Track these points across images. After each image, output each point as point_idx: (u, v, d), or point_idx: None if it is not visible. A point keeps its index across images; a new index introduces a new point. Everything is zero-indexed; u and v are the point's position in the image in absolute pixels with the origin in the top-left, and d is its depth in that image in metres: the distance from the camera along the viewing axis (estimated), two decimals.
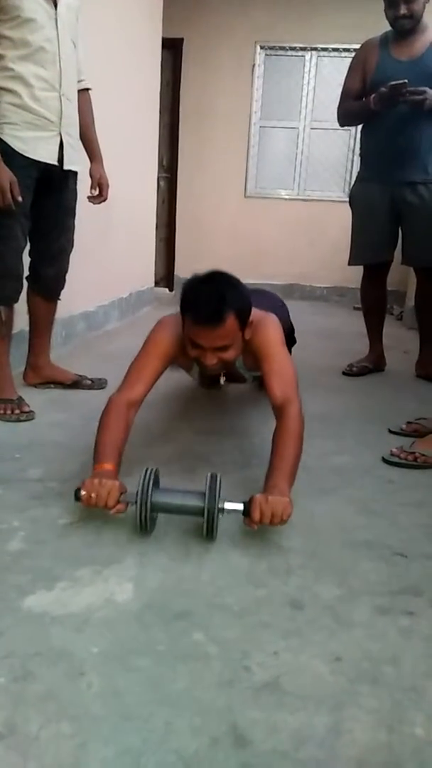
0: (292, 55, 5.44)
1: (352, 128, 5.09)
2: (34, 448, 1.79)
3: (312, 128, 5.56)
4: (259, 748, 0.81)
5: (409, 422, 2.07)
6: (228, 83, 5.49)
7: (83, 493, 1.30)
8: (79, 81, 2.11)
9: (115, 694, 0.88)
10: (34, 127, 1.93)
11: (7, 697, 0.86)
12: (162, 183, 5.52)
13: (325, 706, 0.88)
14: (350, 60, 2.80)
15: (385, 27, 2.64)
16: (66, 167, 2.07)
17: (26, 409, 2.02)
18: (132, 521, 1.32)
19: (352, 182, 3.05)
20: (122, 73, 3.58)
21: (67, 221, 2.21)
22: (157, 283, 4.84)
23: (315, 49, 5.37)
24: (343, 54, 5.20)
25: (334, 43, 5.27)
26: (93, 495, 1.29)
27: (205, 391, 2.48)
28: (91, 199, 2.36)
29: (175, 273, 5.73)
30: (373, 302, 2.99)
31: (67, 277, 2.30)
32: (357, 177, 2.89)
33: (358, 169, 2.90)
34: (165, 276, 5.70)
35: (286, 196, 5.70)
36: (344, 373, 2.88)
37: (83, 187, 2.27)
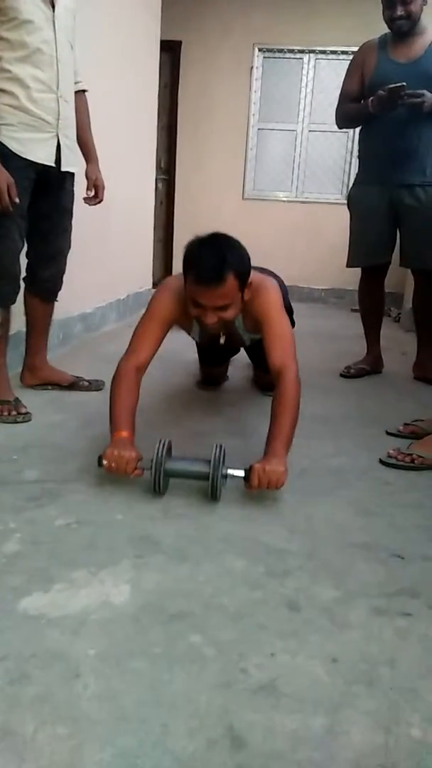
0: (290, 58, 5.45)
1: (350, 130, 5.10)
2: (31, 449, 1.79)
3: (310, 130, 5.57)
4: (255, 749, 0.80)
5: (406, 424, 2.07)
6: (226, 85, 5.50)
7: (105, 462, 1.49)
8: (75, 83, 2.11)
9: (112, 696, 0.88)
10: (31, 128, 1.93)
11: (2, 699, 0.86)
12: (160, 184, 5.52)
13: (321, 707, 0.88)
14: (348, 62, 2.81)
15: (384, 29, 2.64)
16: (63, 169, 2.07)
17: (23, 410, 2.02)
18: (131, 521, 1.32)
19: (350, 184, 3.06)
20: (120, 75, 3.58)
21: (64, 222, 2.21)
22: (154, 285, 4.84)
23: (313, 51, 5.38)
24: (342, 56, 5.21)
25: (332, 45, 5.28)
26: (113, 464, 1.48)
27: (203, 393, 2.49)
28: (87, 200, 2.36)
29: (172, 275, 5.73)
30: (371, 304, 2.99)
31: (65, 278, 2.30)
32: (355, 179, 2.90)
33: (357, 172, 2.91)
34: (163, 277, 5.68)
35: (284, 198, 5.71)
36: (342, 375, 2.88)
37: (79, 188, 2.27)
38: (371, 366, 2.96)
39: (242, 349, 2.56)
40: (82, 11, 2.14)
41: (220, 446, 1.51)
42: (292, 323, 2.06)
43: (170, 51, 5.25)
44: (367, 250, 2.82)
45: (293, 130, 5.60)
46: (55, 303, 2.33)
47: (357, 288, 3.02)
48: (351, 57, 2.80)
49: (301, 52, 5.41)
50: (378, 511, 1.52)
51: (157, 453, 1.47)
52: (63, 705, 0.86)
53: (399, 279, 4.31)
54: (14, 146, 1.90)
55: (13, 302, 2.06)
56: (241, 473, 1.50)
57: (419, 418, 2.08)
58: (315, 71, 5.45)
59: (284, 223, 5.57)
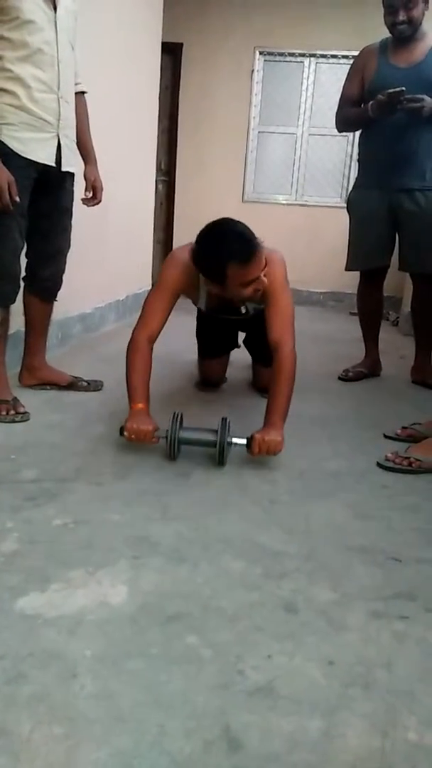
0: (290, 61, 5.46)
1: (350, 134, 5.11)
2: (29, 449, 1.78)
3: (310, 134, 5.58)
4: (252, 751, 0.80)
5: (404, 427, 2.07)
6: (227, 88, 5.51)
7: (126, 433, 1.71)
8: (75, 84, 2.11)
9: (108, 697, 0.87)
10: (32, 128, 1.93)
11: None
12: (160, 186, 5.53)
13: (318, 710, 0.88)
14: (349, 66, 2.81)
15: (385, 33, 2.65)
16: (63, 169, 2.07)
17: (21, 410, 2.01)
18: (129, 521, 1.32)
19: (350, 188, 3.06)
20: (122, 76, 3.59)
21: (64, 222, 2.21)
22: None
23: (314, 55, 5.40)
24: (342, 60, 5.22)
25: (332, 49, 5.30)
26: (134, 435, 1.70)
27: (202, 394, 2.49)
28: (85, 201, 2.36)
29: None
30: (370, 308, 2.99)
31: (64, 278, 2.30)
32: (355, 183, 2.90)
33: (356, 176, 2.91)
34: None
35: (284, 202, 5.72)
36: (340, 378, 2.88)
37: (78, 189, 2.27)
38: (369, 369, 2.96)
39: (242, 345, 2.57)
40: (84, 12, 2.15)
41: (226, 418, 1.73)
42: None
43: (171, 53, 5.26)
44: (366, 254, 2.83)
45: (293, 134, 5.61)
46: (55, 303, 2.33)
47: (356, 291, 3.03)
48: (351, 61, 2.81)
49: (302, 55, 5.42)
50: (375, 514, 1.52)
51: (172, 425, 1.71)
52: (59, 705, 0.85)
53: (398, 283, 4.32)
54: (15, 146, 1.90)
55: (13, 302, 2.06)
56: (243, 441, 1.73)
57: (417, 422, 2.08)
58: (315, 75, 5.46)
59: (284, 227, 5.56)
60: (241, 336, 2.57)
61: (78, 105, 2.15)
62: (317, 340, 3.82)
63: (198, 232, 1.80)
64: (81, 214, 2.36)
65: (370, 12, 3.73)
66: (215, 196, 5.68)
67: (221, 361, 2.56)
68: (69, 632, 1.00)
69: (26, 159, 1.93)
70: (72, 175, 2.17)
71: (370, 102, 2.54)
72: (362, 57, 2.71)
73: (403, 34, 2.55)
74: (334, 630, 1.06)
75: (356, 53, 2.79)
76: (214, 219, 1.82)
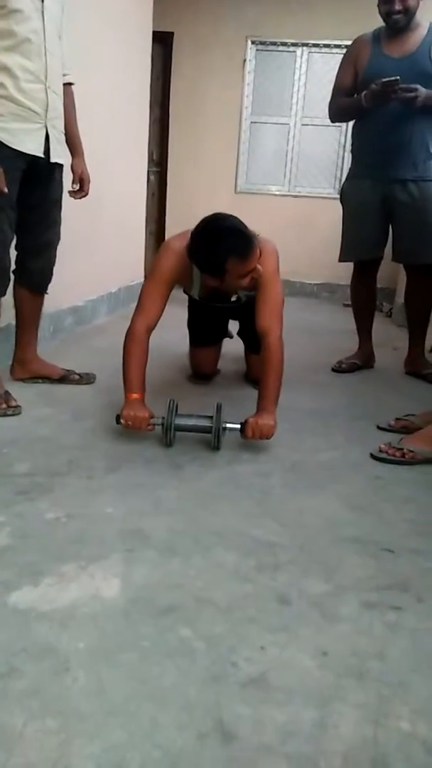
0: (283, 51, 5.42)
1: (343, 125, 5.08)
2: (21, 442, 1.78)
3: (303, 124, 5.55)
4: (245, 742, 0.80)
5: (397, 419, 2.07)
6: (219, 78, 5.46)
7: (123, 421, 1.76)
8: (63, 75, 2.09)
9: (101, 690, 0.87)
10: (20, 118, 1.90)
11: None
12: (152, 177, 5.49)
13: (311, 700, 0.88)
14: (341, 56, 2.79)
15: (377, 23, 2.63)
16: (52, 160, 2.05)
17: (13, 403, 2.00)
18: (121, 515, 1.32)
19: (343, 179, 3.04)
20: (112, 66, 3.55)
21: (54, 214, 2.19)
22: (146, 278, 4.82)
23: (306, 44, 5.36)
24: (335, 50, 5.19)
25: (325, 39, 5.26)
26: (130, 423, 1.76)
27: (195, 387, 2.48)
28: (73, 194, 2.33)
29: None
30: (363, 299, 2.99)
31: (55, 271, 2.28)
32: (348, 174, 2.89)
33: (350, 166, 2.90)
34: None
35: (277, 192, 5.69)
36: (333, 370, 2.88)
37: (66, 181, 2.24)
38: (363, 361, 2.96)
39: (234, 336, 2.57)
40: (74, 2, 2.12)
41: (220, 404, 1.79)
42: None
43: (162, 42, 5.21)
44: (359, 245, 2.82)
45: (286, 124, 5.58)
46: (46, 296, 2.31)
47: (349, 283, 3.02)
48: (344, 50, 2.79)
49: (294, 45, 5.38)
50: (368, 505, 1.53)
51: (168, 410, 1.75)
52: (52, 699, 0.85)
53: (391, 274, 4.31)
54: (3, 136, 1.87)
55: (3, 294, 2.04)
56: (237, 426, 1.78)
57: (410, 413, 2.09)
58: (308, 65, 5.42)
59: (277, 218, 5.54)
60: (236, 328, 2.57)
61: (65, 96, 2.12)
62: (310, 332, 3.82)
63: (193, 229, 1.83)
64: (72, 206, 2.34)
65: (362, 1, 3.70)
66: (208, 187, 5.66)
67: (213, 351, 2.56)
68: (62, 626, 1.00)
69: (14, 150, 1.91)
70: (61, 166, 2.15)
71: (364, 92, 2.52)
72: (355, 47, 2.69)
73: (398, 24, 2.52)
74: (327, 621, 1.06)
75: (349, 42, 2.77)
76: (207, 211, 1.84)
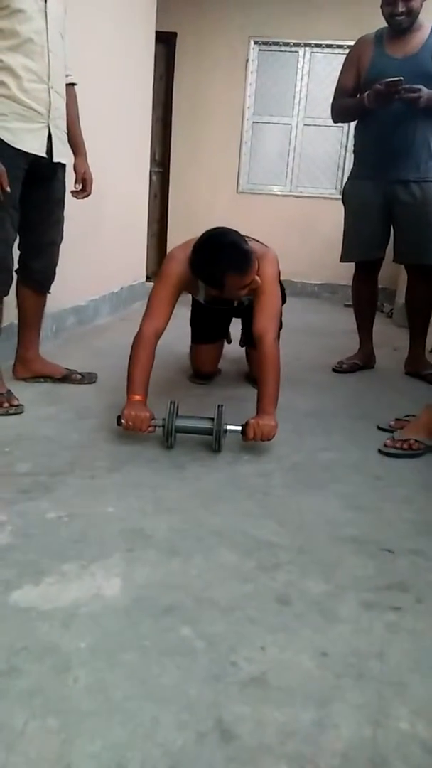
0: (285, 51, 5.42)
1: (345, 125, 5.09)
2: (23, 442, 1.78)
3: (305, 124, 5.55)
4: (245, 742, 0.81)
5: (397, 419, 2.08)
6: (221, 78, 5.47)
7: (123, 422, 1.75)
8: (65, 75, 2.09)
9: (102, 689, 0.88)
10: (22, 118, 1.91)
11: None
12: (154, 177, 5.49)
13: (311, 700, 0.88)
14: (344, 56, 2.79)
15: (380, 23, 2.63)
16: (55, 159, 2.06)
17: (15, 402, 2.01)
18: (123, 514, 1.32)
19: (345, 179, 3.05)
20: (116, 66, 3.56)
21: (57, 213, 2.19)
22: (148, 278, 4.82)
23: (309, 45, 5.36)
24: (337, 50, 5.19)
25: (328, 39, 5.26)
26: (131, 423, 1.75)
27: (196, 387, 2.49)
28: (75, 194, 2.34)
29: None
30: (364, 299, 2.99)
31: (58, 270, 2.29)
32: (350, 174, 2.89)
33: (352, 166, 2.90)
34: (157, 271, 5.67)
35: (279, 193, 5.70)
36: (334, 370, 2.89)
37: (68, 181, 2.25)
38: (363, 361, 2.97)
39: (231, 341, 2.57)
40: (78, 2, 2.12)
41: (221, 406, 1.80)
42: (284, 298, 2.24)
43: (165, 42, 5.22)
44: (361, 245, 2.82)
45: (288, 124, 5.58)
46: (48, 295, 2.32)
47: (350, 283, 3.02)
48: (346, 51, 2.79)
49: (297, 45, 5.38)
50: (368, 505, 1.53)
51: (169, 412, 1.75)
52: (53, 698, 0.86)
53: (392, 275, 4.31)
54: (6, 136, 1.88)
55: (6, 294, 2.04)
56: (238, 428, 1.77)
57: (410, 413, 2.09)
58: (310, 65, 5.43)
59: (278, 218, 5.56)
60: (236, 330, 2.58)
61: (68, 96, 2.13)
62: (311, 332, 3.82)
63: (195, 240, 1.90)
64: (74, 206, 2.35)
65: (365, 2, 3.70)
66: (210, 187, 5.66)
67: (214, 348, 2.57)
68: (63, 625, 1.01)
69: (17, 149, 1.91)
70: (64, 166, 2.15)
71: (367, 92, 2.52)
72: (358, 47, 2.69)
73: (401, 26, 2.53)
74: (326, 621, 1.06)
75: (351, 43, 2.77)
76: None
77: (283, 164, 5.68)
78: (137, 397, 1.82)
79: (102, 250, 3.61)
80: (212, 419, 1.77)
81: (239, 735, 0.82)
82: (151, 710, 0.85)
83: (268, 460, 1.78)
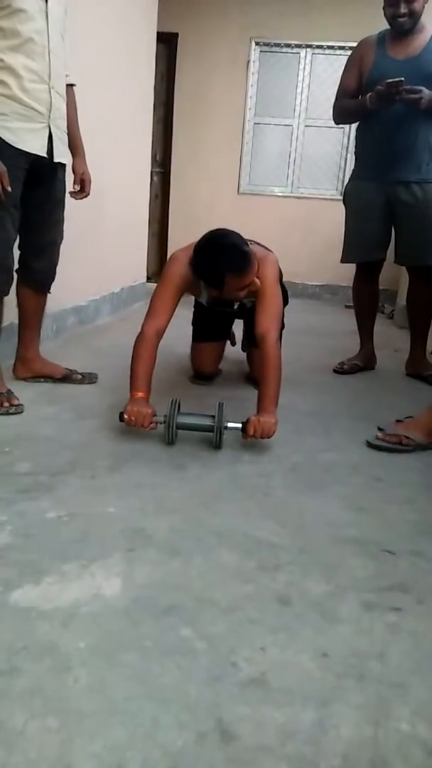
0: (287, 52, 5.43)
1: (347, 126, 5.09)
2: (23, 441, 1.78)
3: (306, 125, 5.55)
4: (245, 743, 0.81)
5: (398, 420, 2.08)
6: (222, 79, 5.47)
7: (126, 417, 1.77)
8: (65, 76, 2.09)
9: (102, 689, 0.88)
10: (23, 118, 1.91)
11: None
12: (155, 178, 5.50)
13: (311, 701, 0.88)
14: (345, 58, 2.79)
15: (382, 25, 2.63)
16: (56, 159, 2.06)
17: (15, 402, 2.01)
18: (123, 514, 1.32)
19: (346, 180, 3.05)
20: (117, 66, 3.56)
21: (57, 213, 2.19)
22: (149, 279, 4.82)
23: (310, 46, 5.36)
24: (338, 52, 5.20)
25: (329, 40, 5.26)
26: (133, 418, 1.77)
27: (197, 388, 2.48)
28: (73, 194, 2.34)
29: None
30: (365, 300, 2.99)
31: (58, 270, 2.29)
32: (351, 175, 2.89)
33: (353, 167, 2.90)
34: (157, 271, 5.68)
35: (280, 194, 5.70)
36: (335, 371, 2.89)
37: (68, 181, 2.25)
38: (364, 362, 2.97)
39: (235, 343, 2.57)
40: (79, 2, 2.12)
41: (222, 403, 1.82)
42: (286, 300, 2.28)
43: (167, 43, 5.22)
44: (362, 247, 2.82)
45: (289, 125, 5.59)
46: (49, 295, 2.32)
47: (351, 284, 3.02)
48: (348, 52, 2.79)
49: (298, 46, 5.39)
50: (369, 506, 1.53)
51: (170, 410, 1.77)
52: (53, 698, 0.85)
53: (393, 276, 4.31)
54: (6, 136, 1.88)
55: (7, 294, 2.04)
56: (239, 425, 1.79)
57: (410, 416, 2.09)
58: (312, 66, 5.43)
59: (279, 219, 5.56)
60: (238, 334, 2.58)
61: (67, 97, 2.13)
62: (312, 333, 3.82)
63: (196, 243, 1.93)
64: (75, 206, 2.35)
65: (366, 3, 3.71)
66: (210, 188, 5.66)
67: (215, 347, 2.57)
68: (63, 625, 1.00)
69: (17, 149, 1.91)
70: (64, 166, 2.15)
71: (369, 93, 2.52)
72: (360, 49, 2.69)
73: (403, 27, 2.53)
74: (327, 622, 1.06)
75: (353, 44, 2.77)
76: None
77: (284, 165, 5.68)
78: (140, 394, 1.84)
79: (102, 250, 3.62)
80: (213, 416, 1.79)
81: (239, 735, 0.81)
82: (152, 710, 0.84)
83: (269, 460, 1.78)
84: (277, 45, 5.41)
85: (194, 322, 2.59)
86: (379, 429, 2.06)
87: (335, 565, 1.24)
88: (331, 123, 2.95)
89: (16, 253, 2.11)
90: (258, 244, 2.13)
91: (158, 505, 1.45)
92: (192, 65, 5.45)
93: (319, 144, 5.58)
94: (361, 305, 3.01)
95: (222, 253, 1.85)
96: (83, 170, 2.31)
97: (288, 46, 5.40)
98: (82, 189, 2.34)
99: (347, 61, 2.76)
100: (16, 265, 2.10)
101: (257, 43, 5.41)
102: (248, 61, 5.44)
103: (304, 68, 5.44)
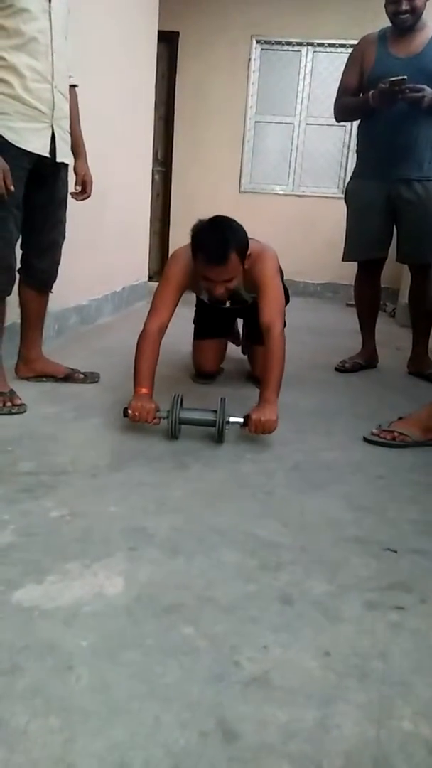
0: (288, 50, 5.42)
1: (348, 124, 5.08)
2: (26, 441, 1.78)
3: (307, 124, 5.55)
4: (247, 742, 0.81)
5: (400, 418, 2.08)
6: (223, 77, 5.47)
7: (130, 413, 1.80)
8: (68, 76, 2.09)
9: (104, 688, 0.88)
10: (26, 118, 1.91)
11: None
12: (157, 176, 5.49)
13: (313, 700, 0.88)
14: (346, 55, 2.79)
15: (383, 22, 2.62)
16: (58, 159, 2.06)
17: (18, 401, 2.01)
18: (125, 513, 1.32)
19: (347, 178, 3.04)
20: (118, 65, 3.56)
21: (59, 213, 2.19)
22: (150, 278, 4.82)
23: (311, 44, 5.35)
24: (339, 49, 5.18)
25: (330, 38, 5.25)
26: (137, 414, 1.81)
27: (198, 386, 2.48)
28: (75, 195, 2.34)
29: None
30: (367, 299, 2.99)
31: (60, 270, 2.29)
32: (353, 173, 2.89)
33: (354, 166, 2.89)
34: (159, 270, 5.68)
35: (281, 192, 5.69)
36: (337, 369, 2.88)
37: (69, 181, 2.25)
38: (366, 360, 2.96)
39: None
40: (80, 1, 2.12)
41: (224, 399, 1.85)
42: (287, 298, 2.26)
43: (168, 42, 5.21)
44: (363, 245, 2.82)
45: (290, 123, 5.58)
46: (51, 295, 2.32)
47: (353, 283, 3.02)
48: (349, 50, 2.78)
49: (299, 44, 5.38)
50: (371, 505, 1.53)
51: (173, 406, 1.80)
52: (55, 697, 0.86)
53: (395, 274, 4.31)
54: (9, 135, 1.88)
55: (9, 293, 2.05)
56: (240, 420, 1.81)
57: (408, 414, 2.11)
58: (313, 64, 5.42)
59: (281, 217, 5.55)
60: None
61: (69, 98, 2.13)
62: (314, 332, 3.82)
63: (195, 224, 1.94)
64: (77, 206, 2.35)
65: (368, 1, 3.70)
66: (212, 186, 5.66)
67: (216, 345, 2.57)
68: (65, 624, 1.00)
69: (20, 149, 1.91)
70: (66, 166, 2.15)
71: (372, 91, 2.52)
72: (361, 46, 2.69)
73: (405, 24, 2.52)
74: (329, 621, 1.06)
75: (354, 42, 2.77)
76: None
77: (285, 164, 5.68)
78: (144, 390, 1.88)
79: (104, 249, 3.62)
80: (215, 411, 1.82)
81: (242, 735, 0.82)
82: (154, 709, 0.84)
83: (271, 459, 1.78)
84: (278, 43, 5.40)
85: (196, 321, 2.59)
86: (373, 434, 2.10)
87: (337, 564, 1.24)
88: (333, 121, 2.95)
89: (18, 253, 2.11)
90: (254, 240, 2.12)
91: (160, 504, 1.45)
92: (193, 64, 5.44)
93: (320, 142, 5.57)
94: (362, 303, 3.00)
95: (229, 227, 1.91)
96: (85, 171, 2.31)
97: (289, 44, 5.39)
98: (84, 190, 2.33)
99: (348, 59, 2.75)
100: (18, 265, 2.10)
101: (258, 42, 5.40)
102: (249, 60, 5.43)
103: (306, 66, 5.43)
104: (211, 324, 2.54)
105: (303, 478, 1.66)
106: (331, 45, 5.30)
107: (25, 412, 2.00)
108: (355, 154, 2.89)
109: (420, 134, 2.58)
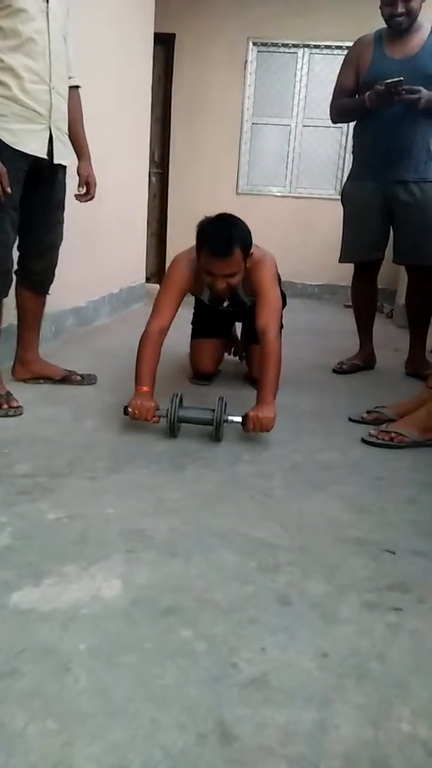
0: (284, 52, 5.43)
1: (344, 126, 5.09)
2: (22, 443, 1.78)
3: (304, 125, 5.55)
4: (245, 744, 0.80)
5: (369, 411, 2.15)
6: (220, 79, 5.47)
7: (130, 410, 1.83)
8: (69, 78, 2.09)
9: (102, 691, 0.87)
10: (23, 119, 1.91)
11: None
12: (153, 178, 5.49)
13: (312, 702, 0.88)
14: (343, 57, 2.79)
15: (379, 24, 2.63)
16: (56, 161, 2.05)
17: (15, 404, 2.01)
18: (123, 515, 1.32)
19: (344, 180, 3.04)
20: (114, 67, 3.56)
21: (57, 215, 2.19)
22: (148, 279, 4.82)
23: (308, 46, 5.36)
24: (336, 51, 5.19)
25: (326, 40, 5.26)
26: (137, 412, 1.83)
27: (196, 388, 2.48)
28: (79, 197, 2.33)
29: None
30: (364, 300, 2.99)
31: (57, 271, 2.29)
32: (349, 175, 2.89)
33: (351, 167, 2.90)
34: (156, 272, 5.68)
35: (278, 193, 5.70)
36: (334, 371, 2.88)
37: (71, 183, 2.25)
38: (364, 362, 2.96)
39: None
40: (77, 3, 2.12)
41: (222, 398, 1.87)
42: (284, 302, 2.30)
43: (164, 44, 5.22)
44: (360, 246, 2.82)
45: (287, 125, 5.59)
46: (48, 296, 2.32)
47: (350, 284, 3.02)
48: (345, 51, 2.79)
49: (296, 46, 5.39)
50: (369, 506, 1.53)
51: (172, 404, 1.83)
52: (53, 699, 0.85)
53: (392, 275, 4.32)
54: (6, 137, 1.88)
55: (6, 295, 2.04)
56: (238, 419, 1.84)
57: (380, 405, 2.17)
58: (309, 66, 5.43)
59: (278, 219, 5.55)
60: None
61: (71, 99, 2.12)
62: (311, 333, 3.82)
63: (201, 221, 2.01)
64: (74, 207, 2.35)
65: (364, 2, 3.71)
66: (209, 188, 5.66)
67: (214, 345, 2.58)
68: (63, 627, 1.00)
69: (17, 151, 1.91)
70: (64, 167, 2.15)
71: (368, 92, 2.52)
72: (357, 48, 2.69)
73: (401, 26, 2.52)
74: (327, 622, 1.06)
75: (350, 44, 2.77)
76: (208, 211, 2.01)
77: (282, 165, 5.68)
78: (144, 389, 1.91)
79: (101, 251, 3.61)
80: (213, 410, 1.84)
81: (240, 736, 0.81)
82: (152, 712, 0.84)
83: (269, 460, 1.78)
84: (275, 45, 5.41)
85: (194, 321, 2.61)
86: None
87: (335, 565, 1.24)
88: (329, 123, 2.95)
89: (15, 254, 2.11)
90: (255, 246, 2.14)
91: (158, 506, 1.45)
92: (189, 66, 5.45)
93: (317, 144, 5.58)
94: (360, 305, 3.01)
95: (234, 224, 1.97)
96: (88, 173, 2.30)
97: (285, 46, 5.40)
98: (88, 192, 2.33)
99: (344, 60, 2.76)
100: (15, 267, 2.10)
101: (255, 43, 5.41)
102: (246, 61, 5.44)
103: (302, 68, 5.44)
104: (209, 324, 2.54)
105: (301, 480, 1.66)
106: (327, 47, 5.31)
107: (21, 414, 2.00)
108: (352, 156, 2.89)
109: (416, 136, 2.58)
